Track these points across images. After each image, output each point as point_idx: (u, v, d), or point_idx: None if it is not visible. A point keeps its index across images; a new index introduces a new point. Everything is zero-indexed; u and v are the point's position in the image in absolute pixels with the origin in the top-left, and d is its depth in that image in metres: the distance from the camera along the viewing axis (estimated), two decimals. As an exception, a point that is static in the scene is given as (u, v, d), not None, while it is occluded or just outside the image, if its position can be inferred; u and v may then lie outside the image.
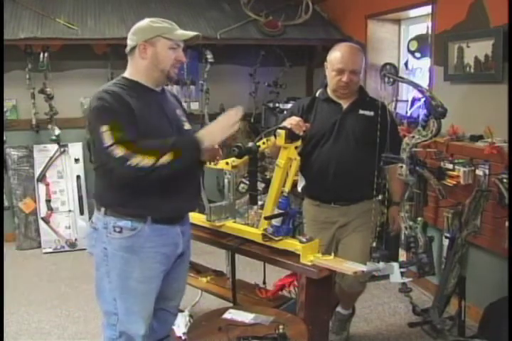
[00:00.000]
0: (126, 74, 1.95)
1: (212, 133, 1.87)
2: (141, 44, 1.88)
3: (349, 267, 1.99)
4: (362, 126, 2.45)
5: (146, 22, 1.92)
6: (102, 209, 1.90)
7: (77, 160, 4.51)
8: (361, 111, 2.48)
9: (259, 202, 2.72)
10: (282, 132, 2.12)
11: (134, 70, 1.93)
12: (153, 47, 1.88)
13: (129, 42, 1.92)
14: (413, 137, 2.12)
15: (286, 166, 2.15)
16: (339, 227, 2.56)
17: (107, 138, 1.73)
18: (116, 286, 1.91)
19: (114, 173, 1.79)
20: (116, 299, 1.93)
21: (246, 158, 2.16)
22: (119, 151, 1.72)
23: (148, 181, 1.79)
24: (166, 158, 1.73)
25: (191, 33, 1.93)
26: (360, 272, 1.97)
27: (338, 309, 2.81)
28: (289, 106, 4.33)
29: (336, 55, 2.42)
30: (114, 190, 1.88)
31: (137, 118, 1.80)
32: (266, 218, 2.17)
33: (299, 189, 2.66)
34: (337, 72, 2.40)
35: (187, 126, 2.04)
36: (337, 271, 2.06)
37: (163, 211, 1.90)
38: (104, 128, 1.74)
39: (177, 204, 1.94)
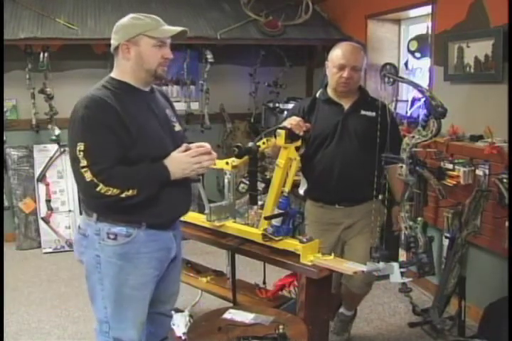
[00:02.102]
0: (114, 74, 1.85)
1: (182, 167, 1.81)
2: (123, 44, 1.78)
3: (349, 267, 1.99)
4: (364, 127, 2.44)
5: (127, 19, 1.82)
6: (94, 215, 1.83)
7: (77, 160, 4.51)
8: (363, 112, 2.48)
9: (259, 202, 2.72)
10: (282, 132, 2.12)
11: (120, 71, 1.84)
12: (136, 46, 1.78)
13: (112, 42, 1.82)
14: (413, 137, 2.11)
15: (286, 166, 2.15)
16: (344, 229, 2.56)
17: (82, 159, 1.68)
18: (109, 294, 1.87)
19: (83, 194, 1.79)
20: (107, 307, 1.88)
21: (246, 158, 2.16)
22: (90, 175, 1.68)
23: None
24: (131, 192, 1.71)
25: (177, 29, 1.81)
26: (360, 272, 1.97)
27: (341, 310, 2.81)
28: (289, 106, 4.33)
29: (337, 53, 2.42)
30: None
31: (127, 123, 1.73)
32: (266, 218, 2.17)
33: (301, 192, 2.65)
34: (338, 68, 2.40)
35: (177, 128, 1.97)
36: (339, 272, 2.06)
37: (158, 216, 1.85)
38: (82, 146, 1.68)
39: (171, 208, 1.90)
